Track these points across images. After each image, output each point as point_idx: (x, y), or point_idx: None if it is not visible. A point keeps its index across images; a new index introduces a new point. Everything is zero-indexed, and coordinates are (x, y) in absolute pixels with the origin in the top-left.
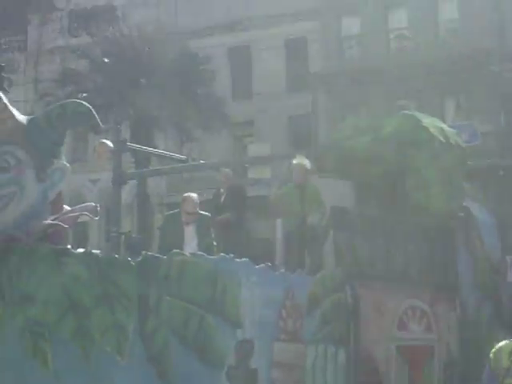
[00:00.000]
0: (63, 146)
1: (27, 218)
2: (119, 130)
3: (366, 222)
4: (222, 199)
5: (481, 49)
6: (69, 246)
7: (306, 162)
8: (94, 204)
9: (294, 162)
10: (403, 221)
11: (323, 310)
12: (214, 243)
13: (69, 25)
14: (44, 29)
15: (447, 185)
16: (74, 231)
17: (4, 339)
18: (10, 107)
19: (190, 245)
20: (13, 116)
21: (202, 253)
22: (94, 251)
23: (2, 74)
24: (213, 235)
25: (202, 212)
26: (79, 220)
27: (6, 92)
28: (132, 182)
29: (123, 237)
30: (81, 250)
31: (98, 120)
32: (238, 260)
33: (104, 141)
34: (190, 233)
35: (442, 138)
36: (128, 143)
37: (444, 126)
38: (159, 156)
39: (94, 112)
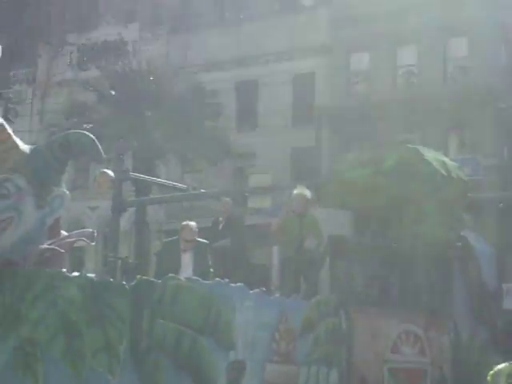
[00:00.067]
0: (64, 174)
1: (24, 242)
2: (122, 159)
3: (363, 250)
4: (221, 227)
5: (488, 85)
6: (64, 270)
7: (307, 192)
8: (90, 230)
9: (295, 191)
10: (400, 249)
11: (317, 333)
12: (211, 270)
13: (78, 58)
14: (54, 62)
15: (447, 216)
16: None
17: None
18: (14, 137)
19: (186, 271)
20: (16, 146)
21: (196, 277)
22: (88, 275)
23: (9, 105)
24: (210, 262)
25: (199, 239)
26: (76, 245)
27: (10, 122)
28: (131, 209)
29: (120, 262)
30: (76, 274)
31: (101, 150)
32: (232, 285)
33: (105, 170)
34: (186, 259)
35: (443, 172)
36: (130, 173)
37: (446, 159)
38: (160, 185)
39: (97, 143)
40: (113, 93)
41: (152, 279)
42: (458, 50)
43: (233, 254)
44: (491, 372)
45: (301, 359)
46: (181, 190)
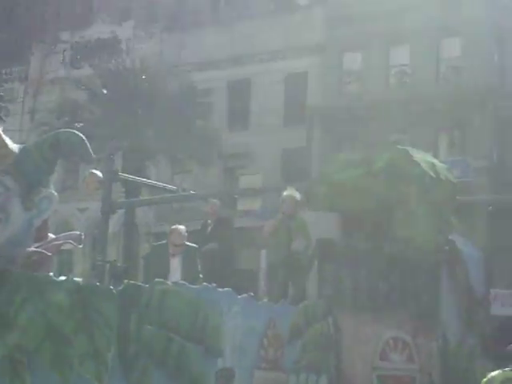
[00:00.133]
0: (53, 175)
1: (11, 244)
2: (112, 160)
3: (352, 254)
4: (209, 230)
5: (480, 86)
6: (51, 274)
7: (297, 194)
8: (78, 232)
9: (285, 193)
10: (388, 253)
11: (305, 339)
12: (201, 275)
13: (72, 56)
14: (47, 60)
15: (435, 219)
16: (59, 259)
17: None
18: (3, 136)
19: (175, 276)
20: (5, 145)
21: (184, 282)
22: (75, 279)
23: (0, 103)
24: (199, 267)
25: (189, 243)
26: (63, 247)
27: (1, 121)
28: (120, 211)
29: (108, 265)
30: (62, 278)
31: (90, 150)
32: (220, 290)
33: (94, 171)
34: (175, 264)
35: (432, 173)
36: (119, 173)
37: (435, 161)
38: (150, 186)
39: (87, 142)
40: (105, 91)
41: (139, 284)
42: (451, 50)
43: (220, 258)
44: (484, 380)
45: (289, 366)
46: (170, 191)
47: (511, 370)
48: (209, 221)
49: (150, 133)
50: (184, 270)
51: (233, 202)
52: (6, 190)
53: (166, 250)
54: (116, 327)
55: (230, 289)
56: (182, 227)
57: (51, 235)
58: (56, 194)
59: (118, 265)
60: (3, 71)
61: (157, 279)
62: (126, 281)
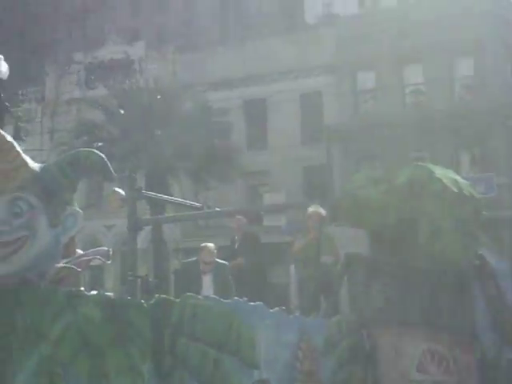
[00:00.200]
0: (75, 193)
1: (40, 260)
2: (134, 178)
3: (381, 268)
4: (236, 246)
5: (496, 104)
6: (82, 288)
7: (322, 210)
8: (106, 248)
9: (310, 209)
10: (418, 267)
11: (339, 353)
12: (234, 290)
13: (86, 77)
14: (61, 80)
15: (462, 234)
16: (90, 275)
17: (20, 378)
18: (23, 155)
19: (208, 292)
20: (26, 164)
21: (215, 296)
22: (106, 293)
23: (19, 124)
24: (231, 283)
25: (219, 260)
26: (92, 263)
27: (21, 141)
28: (147, 228)
29: (140, 280)
30: (94, 292)
31: (111, 169)
32: (251, 304)
33: (116, 189)
34: (207, 281)
35: (455, 189)
36: (143, 191)
37: (458, 177)
38: (175, 204)
39: (107, 161)
40: (122, 111)
41: (171, 298)
42: (465, 69)
43: (249, 273)
44: None
45: (326, 379)
46: (196, 208)
47: None
48: (236, 236)
49: (168, 151)
50: (216, 287)
51: (259, 219)
52: (31, 208)
53: (196, 267)
54: (150, 340)
55: (262, 303)
56: (211, 245)
57: (79, 251)
58: (81, 211)
59: (150, 280)
60: (19, 92)
61: (187, 293)
62: (157, 295)
